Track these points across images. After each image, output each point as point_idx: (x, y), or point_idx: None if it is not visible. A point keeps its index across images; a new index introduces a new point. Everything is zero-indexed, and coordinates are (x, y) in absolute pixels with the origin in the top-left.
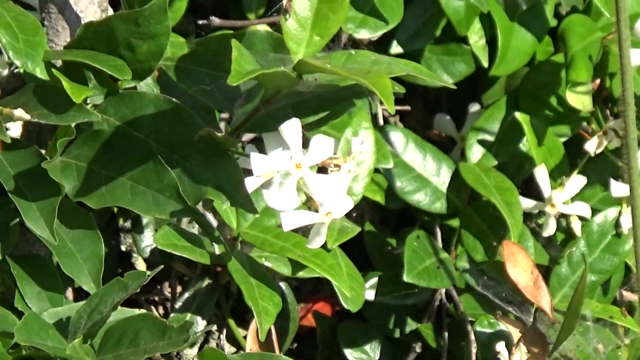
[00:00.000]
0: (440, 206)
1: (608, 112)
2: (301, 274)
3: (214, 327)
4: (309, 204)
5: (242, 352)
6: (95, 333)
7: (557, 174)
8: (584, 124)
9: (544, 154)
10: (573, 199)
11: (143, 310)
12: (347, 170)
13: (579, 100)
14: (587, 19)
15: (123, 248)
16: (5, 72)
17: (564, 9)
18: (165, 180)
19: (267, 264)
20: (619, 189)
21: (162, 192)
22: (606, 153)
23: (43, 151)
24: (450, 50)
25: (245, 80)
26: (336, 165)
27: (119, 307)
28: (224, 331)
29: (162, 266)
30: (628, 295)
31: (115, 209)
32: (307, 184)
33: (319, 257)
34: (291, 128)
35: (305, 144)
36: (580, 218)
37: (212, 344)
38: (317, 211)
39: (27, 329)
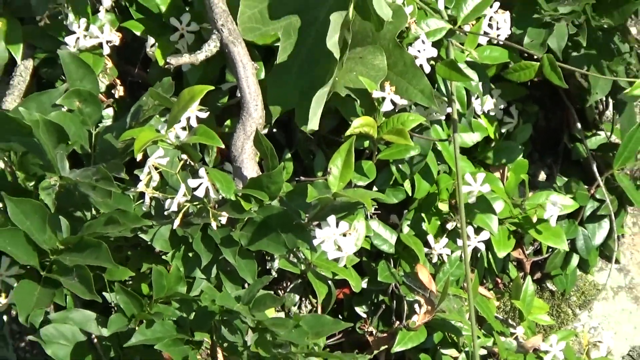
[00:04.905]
0: (392, 250)
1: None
2: (337, 277)
3: (303, 299)
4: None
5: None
6: (251, 301)
7: (437, 238)
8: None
9: (431, 228)
10: (443, 247)
11: (271, 292)
12: (353, 236)
13: (445, 207)
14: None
15: (267, 267)
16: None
17: (440, 172)
18: (281, 240)
19: (322, 272)
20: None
21: (279, 244)
22: (456, 228)
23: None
24: (397, 189)
25: (313, 201)
26: (349, 234)
27: (261, 290)
28: (307, 301)
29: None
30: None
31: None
32: (337, 241)
33: (343, 271)
34: (331, 219)
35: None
36: (447, 255)
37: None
38: (341, 251)
39: (224, 298)
